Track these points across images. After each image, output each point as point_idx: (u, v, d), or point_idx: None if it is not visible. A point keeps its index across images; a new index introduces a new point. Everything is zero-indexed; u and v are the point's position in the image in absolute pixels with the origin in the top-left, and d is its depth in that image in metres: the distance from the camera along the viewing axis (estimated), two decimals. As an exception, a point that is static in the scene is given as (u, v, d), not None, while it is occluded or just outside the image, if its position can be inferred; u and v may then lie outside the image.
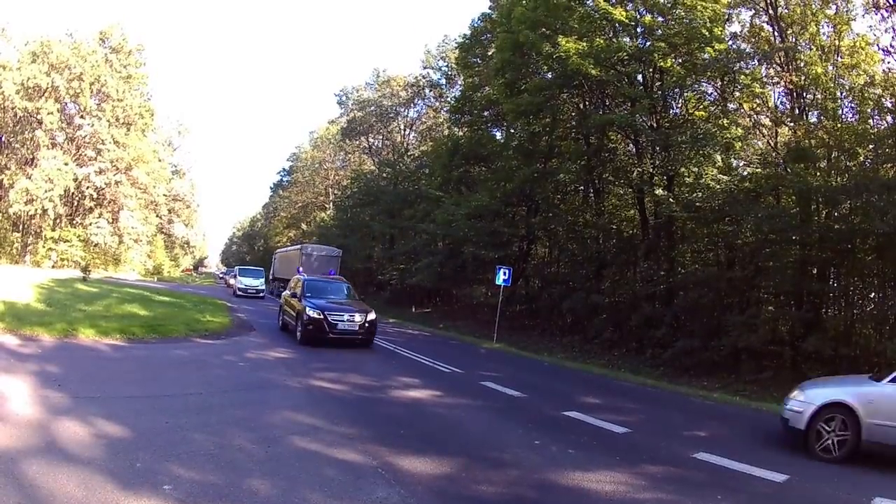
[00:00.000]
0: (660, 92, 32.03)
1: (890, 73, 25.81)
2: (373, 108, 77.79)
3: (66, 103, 77.34)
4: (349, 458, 8.97)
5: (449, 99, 63.29)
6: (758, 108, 30.10)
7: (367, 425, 11.14)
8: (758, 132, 30.89)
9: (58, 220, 77.98)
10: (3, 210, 72.93)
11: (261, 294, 58.23)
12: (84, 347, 16.91)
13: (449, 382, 17.70)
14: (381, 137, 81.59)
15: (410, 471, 8.64)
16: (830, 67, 26.87)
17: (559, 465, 9.59)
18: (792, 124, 27.86)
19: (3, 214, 73.49)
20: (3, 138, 75.19)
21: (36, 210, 72.03)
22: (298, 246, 63.69)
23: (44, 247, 75.52)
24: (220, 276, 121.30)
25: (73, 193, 78.71)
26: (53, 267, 71.31)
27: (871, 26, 27.05)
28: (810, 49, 27.54)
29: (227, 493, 7.06)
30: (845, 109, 27.49)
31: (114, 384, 12.50)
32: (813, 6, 27.45)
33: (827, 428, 11.06)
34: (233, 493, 7.11)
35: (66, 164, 74.29)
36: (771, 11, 28.90)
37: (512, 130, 44.02)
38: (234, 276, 65.52)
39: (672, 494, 8.52)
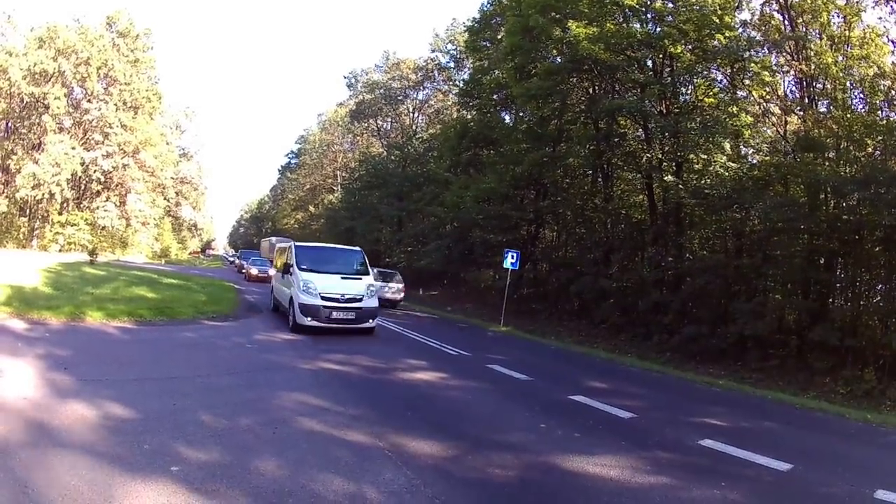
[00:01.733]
0: (669, 78, 31.93)
1: (900, 65, 25.77)
2: (382, 90, 78.19)
3: (72, 88, 77.77)
4: (356, 440, 9.04)
5: (458, 82, 63.37)
6: (767, 97, 30.02)
7: (375, 407, 11.22)
8: (767, 120, 30.81)
9: (65, 204, 78.47)
10: (11, 195, 73.27)
11: (371, 322, 22.47)
12: (92, 330, 17.00)
13: (456, 365, 17.78)
14: (389, 120, 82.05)
15: (417, 452, 8.71)
16: (840, 57, 26.78)
17: (565, 448, 9.59)
18: (801, 113, 27.81)
19: (11, 199, 73.78)
20: (10, 124, 75.49)
21: (43, 194, 72.53)
22: (270, 238, 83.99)
23: (51, 231, 75.92)
24: (231, 259, 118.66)
25: (80, 177, 79.25)
26: (61, 251, 71.70)
27: (881, 17, 26.98)
28: (820, 39, 27.46)
29: (234, 474, 7.12)
30: (855, 100, 27.45)
31: (121, 367, 12.58)
32: (823, -4, 27.39)
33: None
34: (240, 473, 7.17)
35: (73, 148, 74.79)
36: (781, 0, 28.84)
37: (521, 114, 44.22)
38: (291, 270, 22.98)
39: (676, 480, 8.52)
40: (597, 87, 36.66)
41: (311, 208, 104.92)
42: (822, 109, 27.36)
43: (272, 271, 42.94)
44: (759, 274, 26.69)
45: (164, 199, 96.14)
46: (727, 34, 28.49)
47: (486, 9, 50.11)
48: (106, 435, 8.06)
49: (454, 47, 66.65)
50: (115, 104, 79.51)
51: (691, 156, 30.11)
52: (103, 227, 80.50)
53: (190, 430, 8.66)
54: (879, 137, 24.36)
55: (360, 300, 21.34)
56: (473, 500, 7.28)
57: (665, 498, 7.85)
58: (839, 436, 12.94)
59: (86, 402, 9.36)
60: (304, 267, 21.84)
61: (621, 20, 32.59)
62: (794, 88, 29.70)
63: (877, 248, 23.69)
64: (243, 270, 66.67)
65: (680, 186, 28.83)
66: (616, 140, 34.86)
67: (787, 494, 8.52)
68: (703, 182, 29.37)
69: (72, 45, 74.95)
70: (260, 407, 10.42)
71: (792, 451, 10.37)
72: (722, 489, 8.23)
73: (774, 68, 29.14)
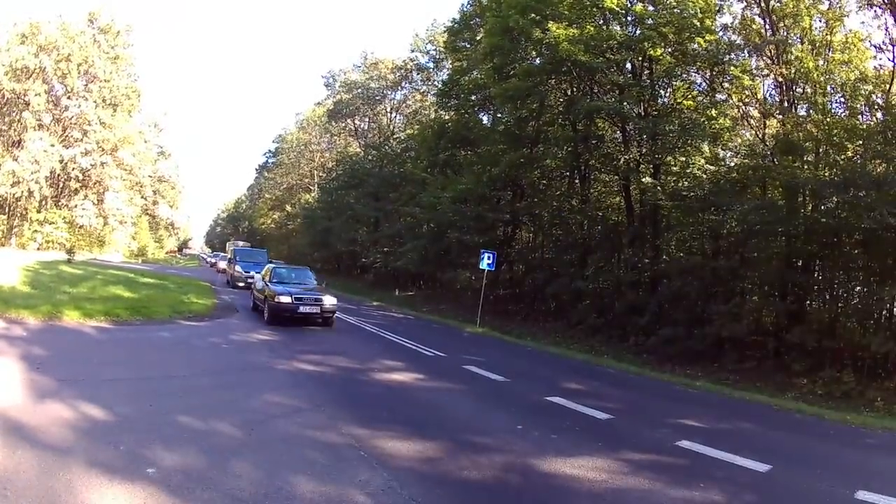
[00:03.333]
0: (648, 80, 32.08)
1: (881, 70, 25.88)
2: (360, 90, 77.94)
3: (53, 84, 77.28)
4: (333, 441, 9.04)
5: (436, 82, 63.26)
6: (746, 100, 30.17)
7: (351, 408, 11.21)
8: (746, 123, 30.99)
9: (43, 202, 77.99)
10: (-10, 192, 72.78)
11: None
12: (69, 330, 16.94)
13: (432, 366, 17.76)
14: (367, 120, 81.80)
15: (393, 454, 8.69)
16: (821, 62, 26.91)
17: (542, 450, 9.57)
18: (780, 117, 27.93)
19: (-10, 196, 73.33)
20: (-10, 120, 75.04)
21: (22, 192, 72.00)
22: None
23: (29, 229, 75.45)
24: (210, 259, 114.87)
25: (58, 175, 78.71)
26: (39, 249, 71.36)
27: (863, 22, 27.11)
28: (801, 43, 27.58)
29: (210, 476, 7.09)
30: (835, 104, 27.58)
31: (98, 367, 12.52)
32: (806, 0, 27.49)
33: None
34: (216, 475, 7.14)
35: (52, 145, 74.29)
36: (763, 4, 28.95)
37: (499, 115, 44.16)
38: None
39: (654, 482, 8.50)
40: (575, 89, 36.71)
41: (288, 208, 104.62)
42: (802, 113, 27.47)
43: (330, 301, 23.92)
44: (737, 276, 26.80)
45: (142, 197, 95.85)
46: (707, 38, 28.64)
47: (465, 9, 50.19)
48: (82, 436, 8.02)
49: (433, 48, 66.51)
50: (95, 101, 79.25)
51: (669, 158, 30.27)
52: (81, 226, 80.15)
53: (166, 431, 8.61)
54: (859, 141, 24.49)
55: None
56: (450, 501, 7.29)
57: (642, 499, 7.85)
58: (817, 437, 13.00)
59: (63, 403, 9.31)
60: None
61: (601, 22, 32.66)
62: (773, 92, 29.82)
63: (855, 251, 23.85)
64: (241, 284, 40.55)
65: (657, 188, 28.94)
66: (594, 142, 34.99)
67: (767, 495, 8.52)
68: (680, 184, 29.54)
69: (53, 41, 74.65)
70: (236, 408, 10.39)
71: (770, 452, 10.38)
72: (700, 490, 8.23)
73: (754, 72, 29.28)
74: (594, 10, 31.97)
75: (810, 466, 10.03)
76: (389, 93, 76.63)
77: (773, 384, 20.47)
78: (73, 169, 78.35)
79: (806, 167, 25.20)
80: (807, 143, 25.31)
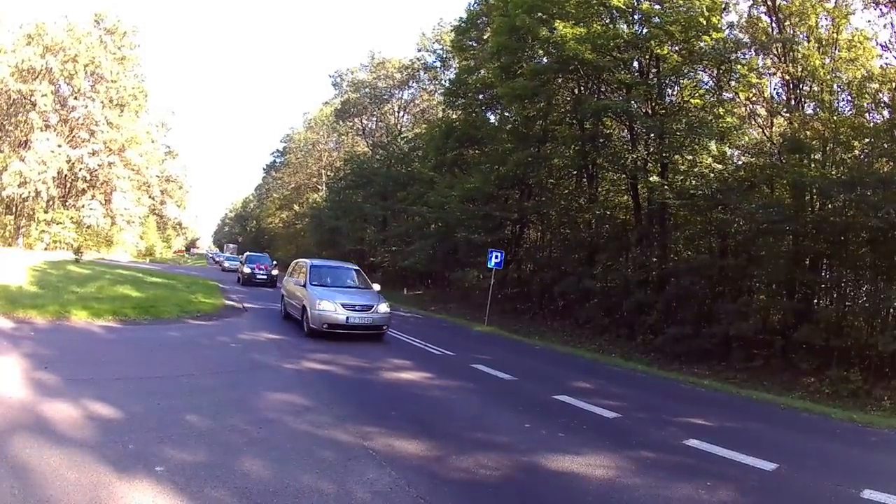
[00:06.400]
0: (655, 79, 31.94)
1: (888, 69, 25.81)
2: (367, 89, 77.95)
3: (59, 85, 77.36)
4: (341, 439, 9.04)
5: (443, 81, 63.26)
6: (753, 98, 30.05)
7: (359, 407, 11.22)
8: (753, 122, 30.87)
9: (50, 202, 78.09)
10: (-3, 193, 72.82)
11: None
12: (77, 329, 16.91)
13: (440, 365, 17.72)
14: (374, 119, 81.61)
15: (401, 452, 8.70)
16: (828, 60, 26.83)
17: (549, 448, 9.57)
18: (787, 115, 27.86)
19: (-3, 197, 73.38)
20: (-3, 121, 75.11)
21: (29, 192, 72.09)
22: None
23: (36, 229, 75.48)
24: (219, 259, 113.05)
25: (65, 175, 78.90)
26: (46, 249, 71.38)
27: (869, 21, 27.01)
28: (808, 41, 27.49)
29: (219, 475, 7.10)
30: (842, 102, 27.50)
31: (106, 366, 12.51)
32: (812, -1, 27.45)
33: None
34: (225, 473, 7.15)
35: (59, 145, 74.41)
36: (769, 2, 28.87)
37: (506, 114, 43.91)
38: None
39: (661, 480, 8.51)
40: (582, 88, 36.63)
41: (296, 207, 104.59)
42: (809, 111, 27.40)
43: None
44: (744, 274, 26.74)
45: (150, 197, 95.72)
46: (714, 36, 28.50)
47: (472, 8, 49.90)
48: (91, 435, 8.04)
49: (440, 47, 66.31)
50: (102, 102, 79.26)
51: (676, 157, 30.22)
52: (88, 226, 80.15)
53: (175, 430, 8.63)
54: (866, 140, 24.43)
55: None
56: (457, 500, 7.29)
57: (650, 497, 7.83)
58: (824, 435, 12.99)
59: (71, 402, 9.33)
60: None
61: (608, 21, 32.55)
62: (780, 90, 29.72)
63: (862, 250, 23.77)
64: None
65: (665, 187, 28.83)
66: (601, 141, 34.83)
67: (773, 494, 8.51)
68: (688, 183, 29.43)
69: (59, 42, 74.64)
70: (245, 406, 10.40)
71: (777, 451, 10.38)
72: (707, 489, 8.23)
73: (761, 70, 29.17)
74: (601, 8, 31.84)
75: (817, 465, 10.05)
76: (397, 92, 76.62)
77: (780, 383, 20.44)
78: (81, 169, 78.40)
79: (813, 166, 25.12)
80: (814, 142, 25.22)
